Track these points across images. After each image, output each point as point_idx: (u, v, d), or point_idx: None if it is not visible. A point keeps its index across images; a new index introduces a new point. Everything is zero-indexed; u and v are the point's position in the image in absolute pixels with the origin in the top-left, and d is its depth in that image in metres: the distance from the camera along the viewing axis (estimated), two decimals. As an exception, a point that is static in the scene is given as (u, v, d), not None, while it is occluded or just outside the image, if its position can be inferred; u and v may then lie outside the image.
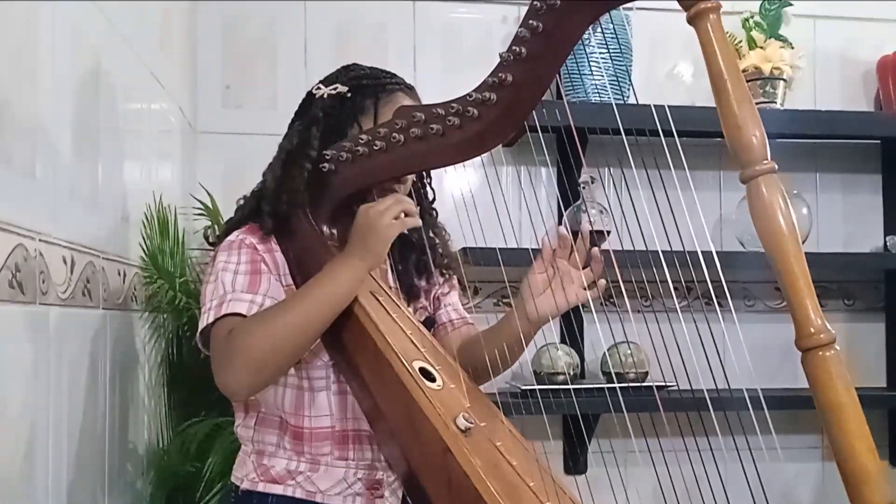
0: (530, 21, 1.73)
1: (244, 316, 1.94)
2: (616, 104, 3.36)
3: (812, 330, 1.45)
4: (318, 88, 2.19)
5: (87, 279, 2.33)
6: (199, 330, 2.00)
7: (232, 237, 2.07)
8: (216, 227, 3.20)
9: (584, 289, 2.17)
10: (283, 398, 2.06)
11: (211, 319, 1.95)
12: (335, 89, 2.17)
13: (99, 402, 2.48)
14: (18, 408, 1.93)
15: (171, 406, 3.18)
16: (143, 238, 2.88)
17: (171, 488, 2.91)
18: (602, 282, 2.17)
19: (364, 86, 2.17)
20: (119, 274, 2.66)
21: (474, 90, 1.84)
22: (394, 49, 4.05)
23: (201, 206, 3.42)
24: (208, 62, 3.94)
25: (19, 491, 1.94)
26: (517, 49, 1.76)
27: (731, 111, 1.49)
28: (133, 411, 2.86)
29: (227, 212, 2.32)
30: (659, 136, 1.71)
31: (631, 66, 3.85)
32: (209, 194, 3.43)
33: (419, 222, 2.02)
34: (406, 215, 2.00)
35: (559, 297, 2.17)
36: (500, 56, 1.79)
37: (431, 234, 2.30)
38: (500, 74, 1.79)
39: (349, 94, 2.16)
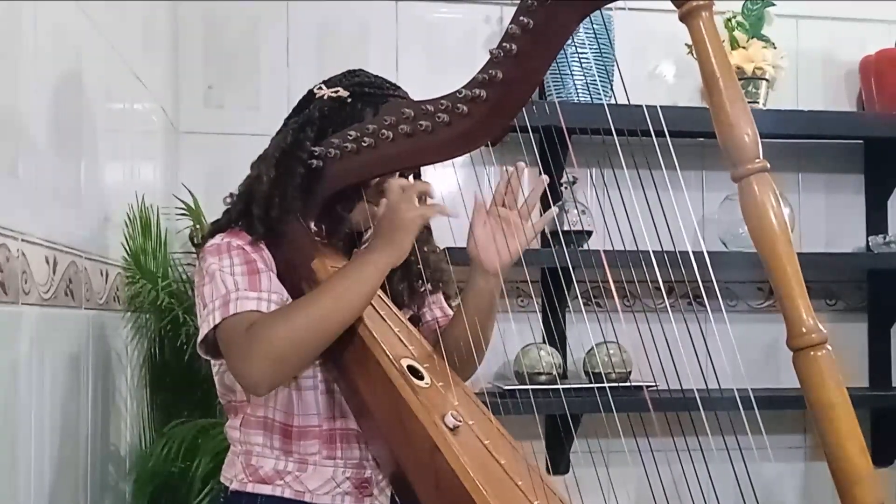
0: (521, 18, 1.72)
1: (256, 312, 1.92)
2: (600, 104, 3.36)
3: (804, 329, 1.45)
4: (320, 88, 2.17)
5: (69, 279, 2.32)
6: (204, 333, 1.95)
7: (217, 240, 2.04)
8: (200, 227, 3.20)
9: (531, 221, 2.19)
10: (276, 397, 2.05)
11: (218, 319, 1.92)
12: (336, 92, 2.15)
13: (81, 402, 2.47)
14: (0, 408, 1.92)
15: (153, 407, 3.17)
16: (126, 238, 2.87)
17: (154, 490, 2.90)
18: (552, 210, 2.19)
19: (366, 94, 2.15)
20: (101, 274, 2.65)
21: (464, 87, 1.84)
22: (376, 49, 4.04)
23: (184, 207, 3.41)
24: (190, 62, 3.92)
25: (1, 491, 1.92)
26: (507, 46, 1.75)
27: (723, 109, 1.48)
28: (115, 412, 2.85)
29: (210, 212, 2.30)
30: (641, 135, 1.71)
31: (613, 66, 3.85)
32: (192, 194, 3.42)
33: (444, 211, 1.99)
34: (423, 195, 1.99)
35: (512, 243, 2.17)
36: (491, 53, 1.79)
37: (425, 249, 2.26)
38: (490, 71, 1.79)
39: (349, 100, 2.14)
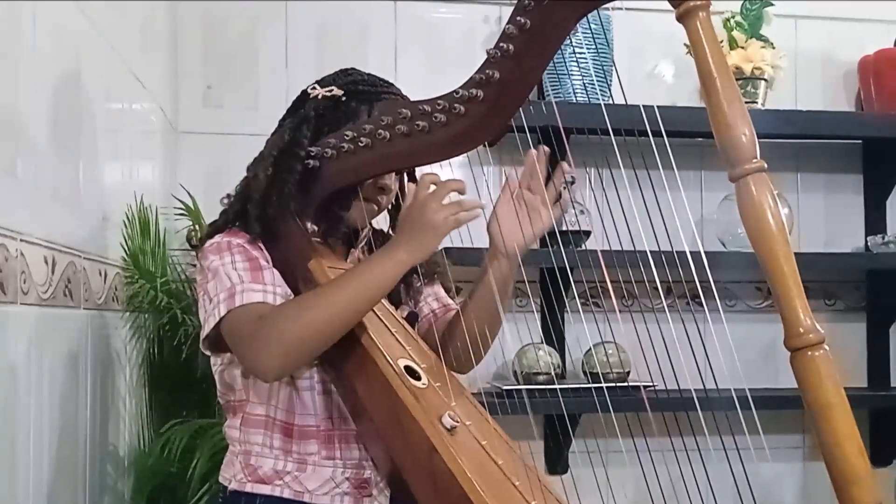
0: (518, 18, 1.72)
1: (263, 304, 1.93)
2: (598, 104, 3.36)
3: (801, 330, 1.45)
4: (314, 88, 2.17)
5: (68, 279, 2.32)
6: (210, 326, 1.95)
7: (217, 239, 2.04)
8: (198, 227, 3.20)
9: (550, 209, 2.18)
10: (278, 395, 2.05)
11: (224, 311, 1.92)
12: (330, 91, 2.14)
13: (80, 402, 2.47)
14: (-1, 408, 1.92)
15: (152, 406, 3.17)
16: (125, 238, 2.87)
17: (152, 490, 2.90)
18: (565, 196, 2.17)
19: (360, 91, 2.14)
20: (100, 274, 2.65)
21: (461, 87, 1.83)
22: (375, 49, 4.04)
23: (182, 207, 3.41)
24: (189, 62, 3.92)
25: (0, 491, 1.92)
26: (504, 46, 1.75)
27: (720, 109, 1.48)
28: (114, 412, 2.85)
29: (209, 212, 2.30)
30: (639, 135, 1.71)
31: (612, 66, 3.84)
32: (190, 195, 3.41)
33: (477, 215, 1.99)
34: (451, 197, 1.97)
35: (528, 228, 2.17)
36: (488, 53, 1.79)
37: None
38: (487, 71, 1.79)
39: (344, 98, 2.14)
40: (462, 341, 2.17)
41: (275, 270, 2.02)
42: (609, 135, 1.81)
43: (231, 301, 1.92)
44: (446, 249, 2.40)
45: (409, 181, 2.28)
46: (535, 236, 2.19)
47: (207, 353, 2.06)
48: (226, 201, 2.16)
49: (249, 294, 1.93)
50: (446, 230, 1.96)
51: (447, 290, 2.42)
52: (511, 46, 1.75)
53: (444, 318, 2.34)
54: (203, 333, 1.98)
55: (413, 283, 2.32)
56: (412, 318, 2.26)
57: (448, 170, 2.00)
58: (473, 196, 2.05)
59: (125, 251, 2.88)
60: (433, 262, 2.32)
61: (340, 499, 2.04)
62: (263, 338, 1.87)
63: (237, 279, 1.95)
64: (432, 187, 1.97)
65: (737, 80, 3.87)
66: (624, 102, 1.85)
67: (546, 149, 2.17)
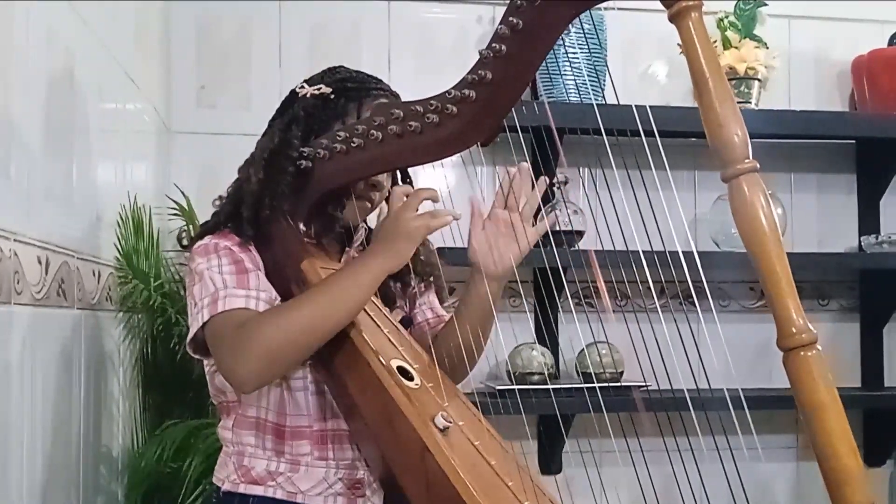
0: (510, 18, 1.72)
1: (245, 310, 1.93)
2: (591, 104, 3.36)
3: (794, 330, 1.45)
4: (302, 87, 2.17)
5: (61, 279, 2.32)
6: (193, 331, 1.96)
7: (205, 241, 2.04)
8: (191, 227, 3.19)
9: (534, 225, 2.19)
10: (268, 397, 2.05)
11: (206, 317, 1.92)
12: (319, 89, 2.14)
13: (73, 403, 2.47)
14: (-8, 409, 1.92)
15: (146, 407, 3.17)
16: (118, 238, 2.87)
17: (146, 491, 2.90)
18: (553, 216, 2.16)
19: (348, 89, 2.15)
20: (94, 274, 2.65)
21: (453, 87, 1.83)
22: (368, 49, 4.04)
23: (176, 207, 3.40)
24: (183, 62, 3.92)
25: (-7, 493, 1.92)
26: (497, 46, 1.75)
27: (712, 109, 1.48)
28: (107, 412, 2.84)
29: (202, 212, 2.29)
30: (632, 135, 1.71)
31: (605, 66, 3.84)
32: (184, 194, 3.41)
33: (448, 222, 1.99)
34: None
35: (513, 247, 2.18)
36: (480, 53, 1.78)
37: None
38: (479, 72, 1.78)
39: (332, 96, 2.14)
40: (457, 352, 2.18)
41: (260, 274, 2.02)
42: (602, 135, 1.81)
43: (214, 307, 1.92)
44: (439, 249, 2.40)
45: (402, 179, 2.29)
46: (517, 256, 2.19)
47: (195, 356, 2.06)
48: (218, 203, 2.16)
49: (231, 300, 1.93)
50: (419, 237, 1.99)
51: (440, 290, 2.42)
52: (503, 47, 1.75)
53: (437, 329, 2.34)
54: (188, 337, 1.99)
55: (409, 284, 2.32)
56: (405, 324, 2.26)
57: (441, 170, 2.00)
58: (462, 197, 2.05)
59: (119, 251, 2.88)
60: (429, 264, 2.32)
61: (334, 499, 2.04)
62: (240, 347, 1.87)
63: (221, 284, 1.95)
64: (405, 198, 1.98)
65: (730, 80, 3.89)
66: (617, 102, 1.85)
67: (525, 165, 2.17)
